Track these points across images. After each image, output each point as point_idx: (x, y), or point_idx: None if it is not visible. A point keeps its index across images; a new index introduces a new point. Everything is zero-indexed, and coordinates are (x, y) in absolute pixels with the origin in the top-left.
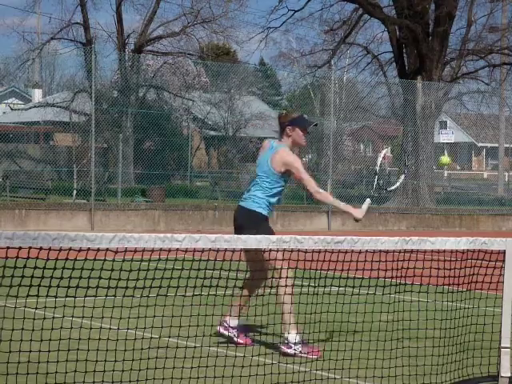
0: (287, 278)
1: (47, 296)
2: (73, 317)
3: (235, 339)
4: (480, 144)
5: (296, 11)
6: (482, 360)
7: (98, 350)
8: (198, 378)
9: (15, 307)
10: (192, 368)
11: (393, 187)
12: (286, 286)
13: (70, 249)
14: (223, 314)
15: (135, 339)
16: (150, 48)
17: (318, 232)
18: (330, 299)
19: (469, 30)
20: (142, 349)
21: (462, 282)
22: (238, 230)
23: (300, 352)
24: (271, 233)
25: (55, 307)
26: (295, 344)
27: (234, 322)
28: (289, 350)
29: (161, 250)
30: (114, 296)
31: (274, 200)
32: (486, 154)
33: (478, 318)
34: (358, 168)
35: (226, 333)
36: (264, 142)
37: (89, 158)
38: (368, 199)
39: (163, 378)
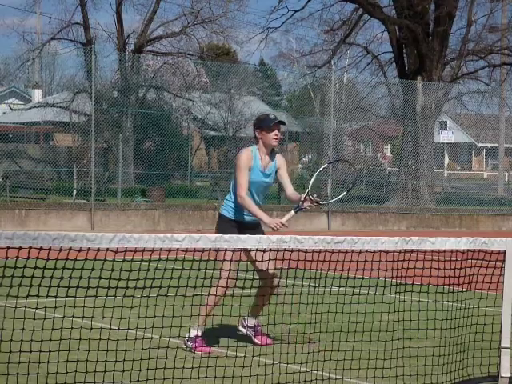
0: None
1: (47, 296)
2: (73, 317)
3: (252, 338)
4: (480, 144)
5: (296, 11)
6: (482, 360)
7: (98, 350)
8: (198, 378)
9: (16, 307)
10: (192, 368)
11: (327, 202)
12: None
13: (70, 249)
14: (223, 314)
15: (136, 339)
16: (150, 48)
17: (318, 232)
18: (331, 299)
19: (469, 30)
20: (142, 349)
21: (462, 282)
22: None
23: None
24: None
25: (55, 307)
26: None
27: (251, 322)
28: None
29: (161, 250)
30: (115, 296)
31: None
32: (486, 154)
33: (478, 318)
34: (357, 168)
35: (244, 331)
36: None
37: (89, 158)
38: (292, 211)
39: (164, 378)
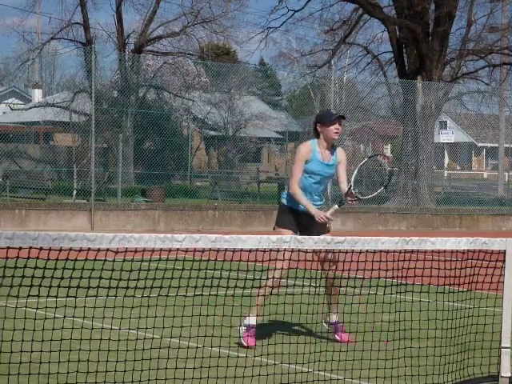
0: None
1: (48, 296)
2: (74, 317)
3: (335, 335)
4: (480, 144)
5: (296, 11)
6: (483, 360)
7: (99, 350)
8: (200, 378)
9: (16, 307)
10: (194, 368)
11: (366, 197)
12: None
13: (71, 249)
14: (224, 314)
15: (137, 339)
16: (150, 48)
17: None
18: (332, 299)
19: (469, 30)
20: (143, 349)
21: (462, 282)
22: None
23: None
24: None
25: (56, 307)
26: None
27: (333, 318)
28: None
29: (161, 250)
30: (115, 296)
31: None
32: (486, 154)
33: (478, 318)
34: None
35: (326, 326)
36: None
37: (89, 157)
38: (336, 205)
39: (165, 379)
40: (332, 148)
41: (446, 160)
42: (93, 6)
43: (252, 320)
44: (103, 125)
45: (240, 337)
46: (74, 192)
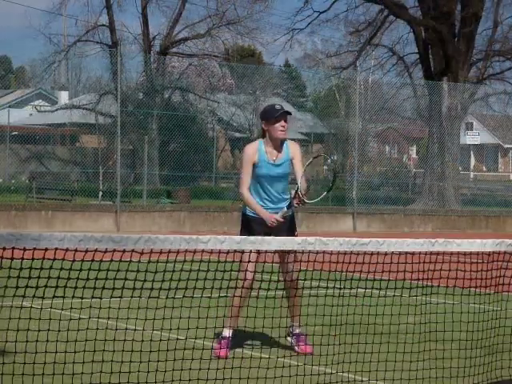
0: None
1: (73, 297)
2: (99, 318)
3: (295, 347)
4: (506, 145)
5: (321, 12)
6: (511, 363)
7: (123, 350)
8: (223, 379)
9: (41, 308)
10: (217, 369)
11: (310, 201)
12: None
13: (96, 250)
14: (248, 315)
15: (160, 340)
16: (176, 50)
17: (343, 234)
18: (357, 301)
19: (495, 30)
20: (167, 350)
21: (488, 284)
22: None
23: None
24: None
25: (81, 308)
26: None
27: (295, 329)
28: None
29: (186, 251)
30: (140, 297)
31: (255, 195)
32: None
33: (505, 321)
34: (383, 169)
35: (289, 339)
36: None
37: (114, 159)
38: (284, 208)
39: (189, 380)
40: (281, 145)
41: (473, 161)
42: (118, 8)
43: (226, 332)
44: (129, 126)
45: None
46: (100, 193)
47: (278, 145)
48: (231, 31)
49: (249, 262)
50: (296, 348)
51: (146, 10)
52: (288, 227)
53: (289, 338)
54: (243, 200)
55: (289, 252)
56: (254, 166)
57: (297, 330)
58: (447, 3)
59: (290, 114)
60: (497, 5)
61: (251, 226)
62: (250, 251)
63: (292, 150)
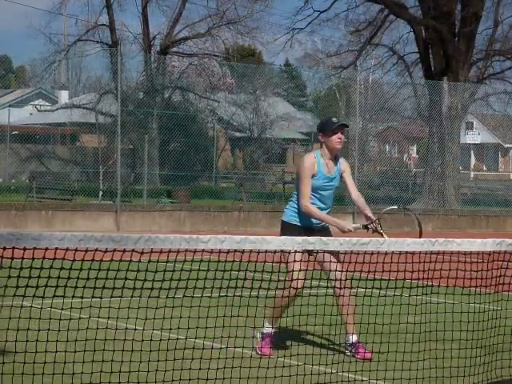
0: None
1: (73, 297)
2: (99, 317)
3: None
4: (507, 145)
5: (321, 12)
6: (511, 362)
7: (123, 350)
8: (223, 378)
9: (41, 308)
10: (218, 369)
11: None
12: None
13: (96, 250)
14: (248, 315)
15: (161, 340)
16: (176, 49)
17: (343, 234)
18: (357, 301)
19: (495, 30)
20: (167, 350)
21: (489, 283)
22: None
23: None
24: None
25: (81, 308)
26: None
27: (350, 339)
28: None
29: (186, 251)
30: (140, 297)
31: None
32: None
33: (505, 320)
34: (383, 169)
35: (347, 352)
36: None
37: (115, 159)
38: (360, 225)
39: (189, 379)
40: (335, 158)
41: (473, 161)
42: (118, 7)
43: (268, 329)
44: (129, 126)
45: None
46: (100, 193)
47: (333, 157)
48: (231, 31)
49: (294, 261)
50: (356, 356)
51: (146, 10)
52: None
53: (347, 352)
54: (309, 213)
55: (331, 256)
56: (313, 177)
57: (353, 339)
58: (447, 3)
59: (347, 126)
60: (497, 4)
61: (297, 234)
62: (295, 251)
63: (343, 164)
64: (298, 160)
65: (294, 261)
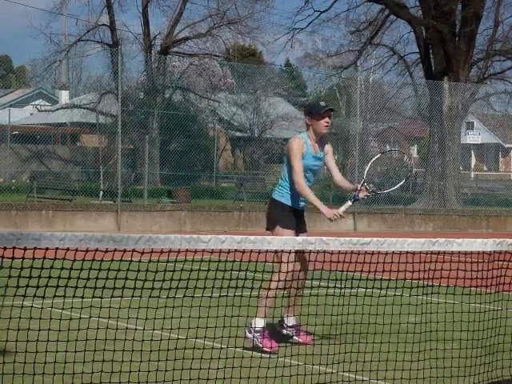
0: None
1: (74, 297)
2: (99, 317)
3: (295, 337)
4: (507, 145)
5: (322, 12)
6: (511, 362)
7: (124, 350)
8: (224, 378)
9: (42, 308)
10: (218, 369)
11: (385, 191)
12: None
13: (97, 250)
14: (249, 315)
15: (161, 340)
16: (176, 49)
17: (344, 233)
18: (357, 301)
19: (496, 30)
20: (168, 350)
21: (489, 283)
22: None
23: (258, 341)
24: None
25: (82, 308)
26: (255, 330)
27: (291, 321)
28: (249, 335)
29: (187, 251)
30: (140, 297)
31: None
32: None
33: (506, 320)
34: (383, 169)
35: (284, 332)
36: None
37: (115, 159)
38: (349, 201)
39: (189, 379)
40: (320, 140)
41: (473, 161)
42: (119, 7)
43: (261, 323)
44: (129, 126)
45: (254, 340)
46: (101, 193)
47: (319, 140)
48: (232, 31)
49: (289, 253)
50: (297, 338)
51: (146, 10)
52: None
53: (284, 331)
54: (302, 191)
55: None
56: (302, 157)
57: (293, 322)
58: (448, 3)
59: (333, 110)
60: (497, 4)
61: (291, 215)
62: (290, 251)
63: (327, 146)
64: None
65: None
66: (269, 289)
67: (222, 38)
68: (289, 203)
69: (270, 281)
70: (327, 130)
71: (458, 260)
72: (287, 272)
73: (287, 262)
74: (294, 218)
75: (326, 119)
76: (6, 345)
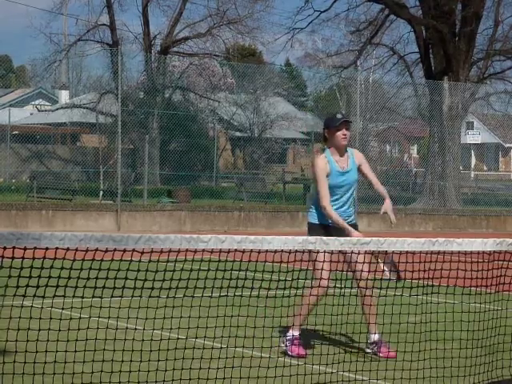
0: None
1: (74, 296)
2: (99, 317)
3: (379, 354)
4: (507, 145)
5: (322, 12)
6: (511, 362)
7: (123, 350)
8: (223, 378)
9: (42, 307)
10: (218, 369)
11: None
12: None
13: (97, 249)
14: (249, 314)
15: (161, 340)
16: (176, 49)
17: None
18: (357, 301)
19: (496, 30)
20: (167, 349)
21: (489, 283)
22: None
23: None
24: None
25: (82, 308)
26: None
27: (371, 338)
28: (282, 345)
29: (187, 250)
30: (140, 297)
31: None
32: None
33: (506, 320)
34: (384, 169)
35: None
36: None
37: (115, 159)
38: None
39: (189, 379)
40: (346, 153)
41: (473, 161)
42: (119, 7)
43: (296, 331)
44: (129, 126)
45: (285, 347)
46: (101, 193)
47: (343, 153)
48: (232, 30)
49: (324, 261)
50: (380, 354)
51: (146, 10)
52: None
53: (368, 350)
54: (327, 215)
55: (358, 256)
56: (327, 176)
57: (375, 338)
58: (448, 2)
59: (350, 122)
60: (497, 4)
61: (321, 234)
62: (324, 252)
63: (357, 157)
64: (302, 160)
65: (324, 261)
66: (304, 296)
67: (222, 37)
68: (318, 221)
69: (310, 287)
70: (346, 141)
71: (458, 260)
72: (320, 285)
73: (321, 269)
74: (325, 234)
75: (344, 131)
76: (6, 345)
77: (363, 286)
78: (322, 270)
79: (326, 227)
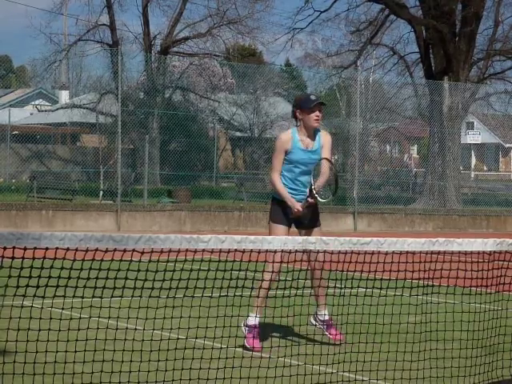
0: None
1: (74, 296)
2: (99, 317)
3: (325, 332)
4: (507, 145)
5: (322, 12)
6: (511, 362)
7: (123, 350)
8: (223, 378)
9: (42, 308)
10: (218, 369)
11: (320, 201)
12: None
13: (97, 250)
14: (248, 314)
15: (161, 340)
16: (176, 49)
17: (344, 233)
18: (357, 300)
19: (496, 30)
20: (167, 349)
21: (489, 283)
22: None
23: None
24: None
25: (82, 308)
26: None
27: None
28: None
29: (187, 250)
30: (140, 297)
31: (286, 182)
32: None
33: (506, 320)
34: (383, 169)
35: (315, 323)
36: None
37: (115, 159)
38: (304, 200)
39: (189, 379)
40: (314, 133)
41: (473, 161)
42: (119, 7)
43: (254, 320)
44: (129, 126)
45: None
46: (101, 193)
47: (312, 133)
48: (232, 30)
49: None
50: (327, 334)
51: (146, 10)
52: (312, 215)
53: (313, 321)
54: (272, 185)
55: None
56: (287, 152)
57: (325, 317)
58: (448, 3)
59: (324, 104)
60: (498, 4)
61: (280, 210)
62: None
63: (323, 138)
64: None
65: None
66: (259, 288)
67: (222, 37)
68: (276, 197)
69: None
70: (318, 123)
71: (458, 260)
72: (272, 272)
73: (272, 262)
74: (283, 211)
75: (317, 113)
76: (6, 345)
77: (317, 268)
78: (275, 253)
79: (281, 202)
